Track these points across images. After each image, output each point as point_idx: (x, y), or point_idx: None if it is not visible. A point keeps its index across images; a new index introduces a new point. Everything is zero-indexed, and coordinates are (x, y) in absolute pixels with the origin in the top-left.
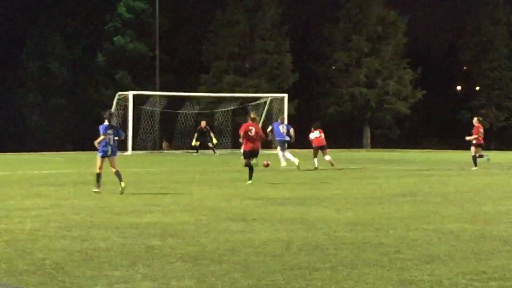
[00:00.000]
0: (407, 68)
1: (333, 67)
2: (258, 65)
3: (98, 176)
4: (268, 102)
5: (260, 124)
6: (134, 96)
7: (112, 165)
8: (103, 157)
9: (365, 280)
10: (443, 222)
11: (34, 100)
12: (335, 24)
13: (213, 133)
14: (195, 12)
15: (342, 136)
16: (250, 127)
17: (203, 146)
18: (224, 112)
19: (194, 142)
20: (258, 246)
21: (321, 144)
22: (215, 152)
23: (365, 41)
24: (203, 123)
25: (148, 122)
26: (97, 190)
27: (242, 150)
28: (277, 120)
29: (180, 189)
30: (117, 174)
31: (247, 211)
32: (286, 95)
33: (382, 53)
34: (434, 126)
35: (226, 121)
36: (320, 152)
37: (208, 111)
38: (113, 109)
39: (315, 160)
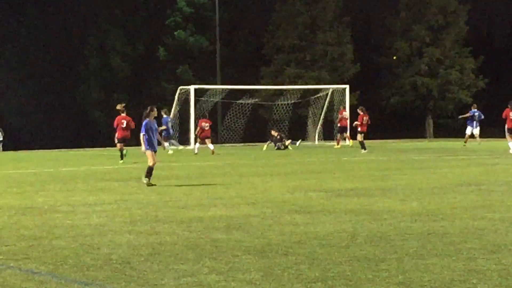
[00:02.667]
0: (469, 56)
1: (394, 57)
2: (319, 57)
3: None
4: (329, 94)
5: (322, 115)
6: (195, 90)
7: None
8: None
9: (432, 270)
10: (509, 211)
11: (96, 96)
12: (396, 14)
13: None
14: (255, 4)
15: (404, 126)
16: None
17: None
18: (285, 104)
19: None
20: (324, 237)
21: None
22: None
23: (426, 30)
24: (274, 133)
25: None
26: (146, 181)
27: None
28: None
29: (244, 182)
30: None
31: (311, 203)
32: (347, 86)
33: (443, 42)
34: (497, 115)
35: (286, 113)
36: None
37: (269, 103)
38: (174, 104)
39: None
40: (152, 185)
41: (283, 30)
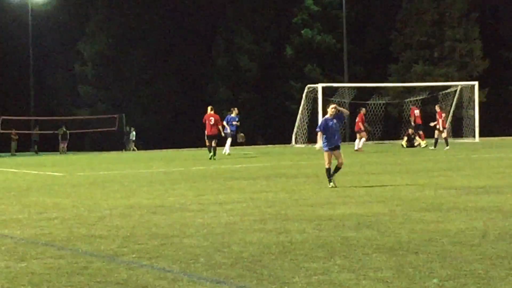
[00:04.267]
0: None
1: None
2: (447, 54)
3: (328, 171)
4: (458, 91)
5: (451, 113)
6: (323, 88)
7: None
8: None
9: None
10: None
11: (225, 96)
12: None
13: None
14: (382, 1)
15: None
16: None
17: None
18: (413, 101)
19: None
20: (455, 235)
21: None
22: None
23: None
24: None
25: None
26: (331, 185)
27: None
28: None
29: (373, 180)
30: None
31: (441, 201)
32: (476, 83)
33: None
34: None
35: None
36: None
37: (397, 101)
38: (302, 102)
39: None
40: (335, 186)
41: (411, 27)
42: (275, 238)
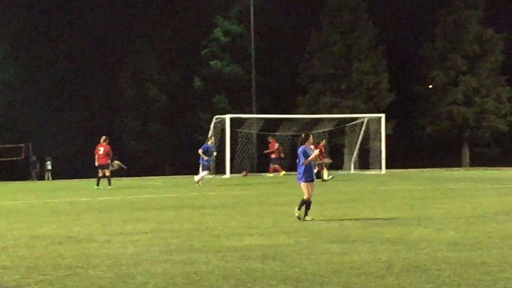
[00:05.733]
0: (505, 85)
1: (430, 86)
2: (354, 86)
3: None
4: (365, 123)
5: (358, 144)
6: (231, 119)
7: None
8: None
9: None
10: None
11: (133, 126)
12: (432, 43)
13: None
14: (291, 34)
15: (441, 155)
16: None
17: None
18: (321, 133)
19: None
20: (360, 267)
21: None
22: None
23: (462, 59)
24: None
25: (245, 145)
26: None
27: None
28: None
29: (280, 211)
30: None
31: (347, 232)
32: (383, 115)
33: (480, 70)
34: None
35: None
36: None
37: (304, 131)
38: (210, 133)
39: None
40: (305, 219)
41: (319, 59)
42: (180, 269)
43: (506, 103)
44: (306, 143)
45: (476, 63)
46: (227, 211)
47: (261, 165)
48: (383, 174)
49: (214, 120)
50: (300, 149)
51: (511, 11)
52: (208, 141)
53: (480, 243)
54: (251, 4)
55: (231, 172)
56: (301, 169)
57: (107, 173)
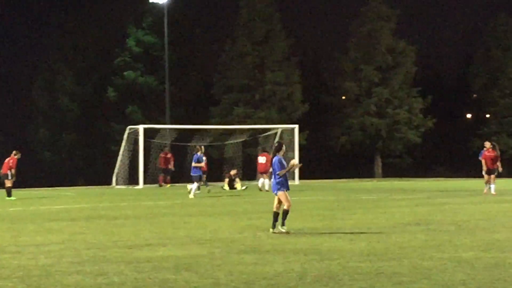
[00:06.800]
0: (417, 96)
1: (343, 97)
2: (268, 97)
3: (277, 214)
4: (278, 134)
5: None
6: (144, 130)
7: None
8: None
9: None
10: (457, 251)
11: (45, 136)
12: (345, 54)
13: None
14: (205, 44)
15: (353, 166)
16: None
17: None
18: (235, 144)
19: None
20: (272, 277)
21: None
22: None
23: (375, 70)
24: (232, 172)
25: (158, 155)
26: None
27: None
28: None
29: (193, 222)
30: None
31: (260, 243)
32: (296, 126)
33: (392, 82)
34: (445, 154)
35: (236, 153)
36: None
37: (219, 143)
38: (123, 144)
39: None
40: (281, 230)
41: (232, 70)
42: (92, 280)
43: (418, 114)
44: (280, 152)
45: (388, 74)
46: (140, 222)
47: (176, 176)
48: (296, 185)
49: (127, 131)
50: (275, 159)
51: (422, 24)
52: (198, 151)
53: (391, 253)
54: (165, 15)
55: (145, 182)
56: (277, 179)
57: (8, 184)
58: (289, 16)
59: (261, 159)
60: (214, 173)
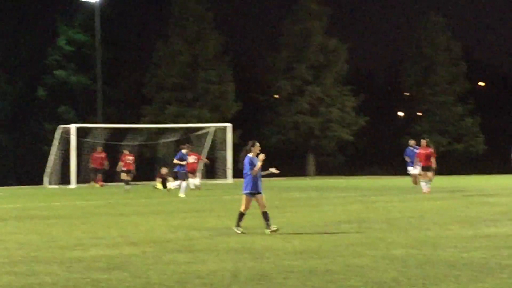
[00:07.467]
0: (350, 95)
1: (276, 96)
2: (200, 95)
3: (242, 215)
4: (211, 132)
5: (206, 154)
6: (77, 129)
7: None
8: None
9: None
10: (389, 248)
11: None
12: (277, 53)
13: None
14: (137, 43)
15: (286, 164)
16: None
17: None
18: (167, 143)
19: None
20: (205, 276)
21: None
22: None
23: (307, 69)
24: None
25: (91, 155)
26: (240, 230)
27: None
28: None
29: (125, 222)
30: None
31: (193, 242)
32: (229, 125)
33: (325, 80)
34: (377, 152)
35: (169, 151)
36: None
37: (151, 142)
38: (55, 143)
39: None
40: (272, 230)
41: (164, 68)
42: (24, 280)
43: (350, 112)
44: (252, 152)
45: (321, 73)
46: (72, 222)
47: (110, 176)
48: (230, 183)
49: (59, 130)
50: (246, 159)
51: (354, 22)
52: (183, 149)
53: (324, 251)
54: (97, 13)
55: (77, 182)
56: (247, 179)
57: None
58: (221, 15)
59: (191, 159)
60: (146, 172)
